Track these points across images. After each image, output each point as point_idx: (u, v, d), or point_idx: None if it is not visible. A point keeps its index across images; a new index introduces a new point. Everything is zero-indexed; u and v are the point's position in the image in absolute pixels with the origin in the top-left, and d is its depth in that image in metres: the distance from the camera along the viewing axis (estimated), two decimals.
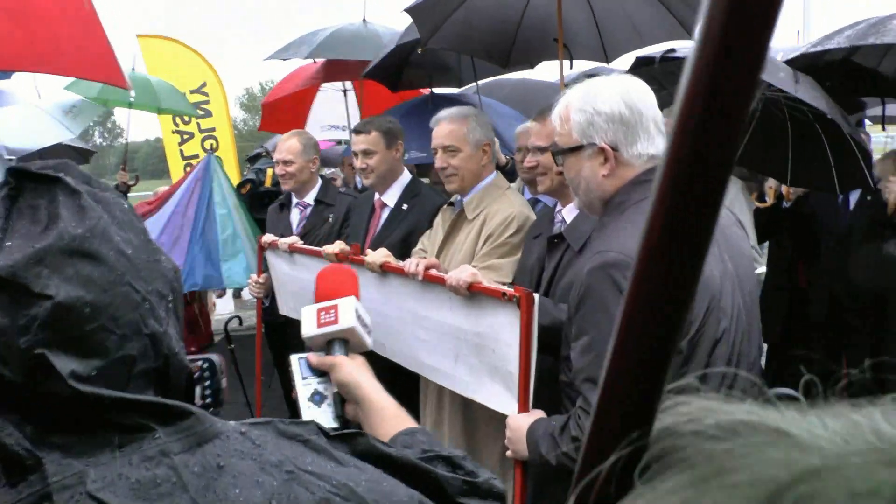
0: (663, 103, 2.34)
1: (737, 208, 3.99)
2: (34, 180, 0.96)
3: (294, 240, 4.21)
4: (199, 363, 1.52)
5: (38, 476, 0.87)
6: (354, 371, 1.51)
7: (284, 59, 7.41)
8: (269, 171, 4.62)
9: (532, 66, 5.91)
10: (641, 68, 4.10)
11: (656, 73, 4.03)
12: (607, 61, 5.36)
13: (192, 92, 9.73)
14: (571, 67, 5.96)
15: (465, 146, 3.47)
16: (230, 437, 0.96)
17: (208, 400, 1.51)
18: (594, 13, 4.92)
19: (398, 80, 6.81)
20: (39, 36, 3.67)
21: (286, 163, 4.70)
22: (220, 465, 0.92)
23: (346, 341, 1.59)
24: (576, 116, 2.27)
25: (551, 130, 2.89)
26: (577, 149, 2.28)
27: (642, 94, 2.26)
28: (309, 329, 1.59)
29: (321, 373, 1.57)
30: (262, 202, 4.56)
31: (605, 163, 2.24)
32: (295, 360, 1.59)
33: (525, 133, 4.39)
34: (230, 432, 0.97)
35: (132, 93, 5.03)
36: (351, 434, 1.08)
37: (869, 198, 4.95)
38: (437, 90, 7.17)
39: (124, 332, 0.94)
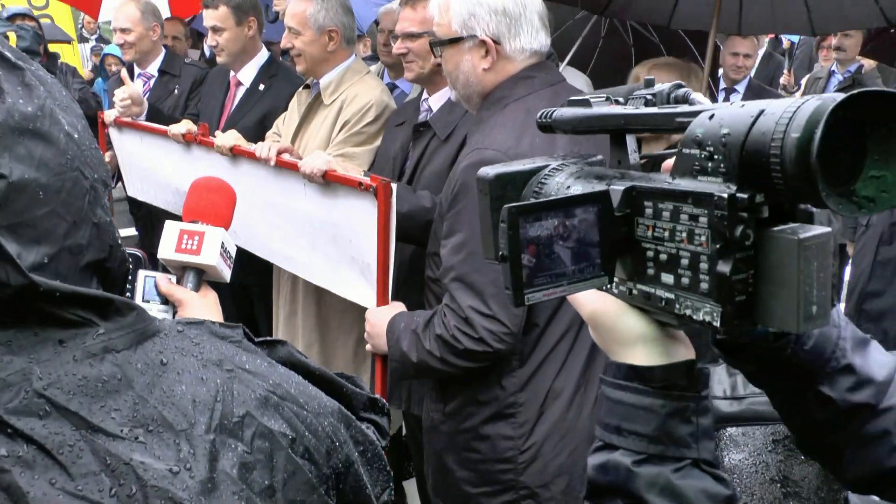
0: None
1: None
2: None
3: (128, 89, 3.97)
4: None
5: None
6: (203, 314, 1.44)
7: None
8: (12, 36, 4.38)
9: None
10: None
11: None
12: None
13: None
14: None
15: (307, 30, 3.38)
16: (168, 334, 0.97)
17: (128, 294, 1.47)
18: None
19: None
20: None
21: (124, 31, 4.50)
22: (163, 362, 0.94)
23: (202, 271, 1.53)
24: (456, 6, 2.23)
25: (424, 16, 2.84)
26: (456, 40, 2.25)
27: None
28: (166, 251, 1.52)
29: (166, 299, 1.52)
30: None
31: (485, 56, 2.22)
32: (143, 276, 1.53)
33: (388, 14, 4.29)
34: (168, 330, 0.98)
35: None
36: (272, 341, 1.11)
37: None
38: None
39: (74, 220, 0.91)
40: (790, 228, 0.68)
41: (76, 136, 0.94)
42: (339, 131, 3.31)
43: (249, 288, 4.00)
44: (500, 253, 0.76)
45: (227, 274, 1.56)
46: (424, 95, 3.11)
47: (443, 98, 2.95)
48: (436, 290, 2.38)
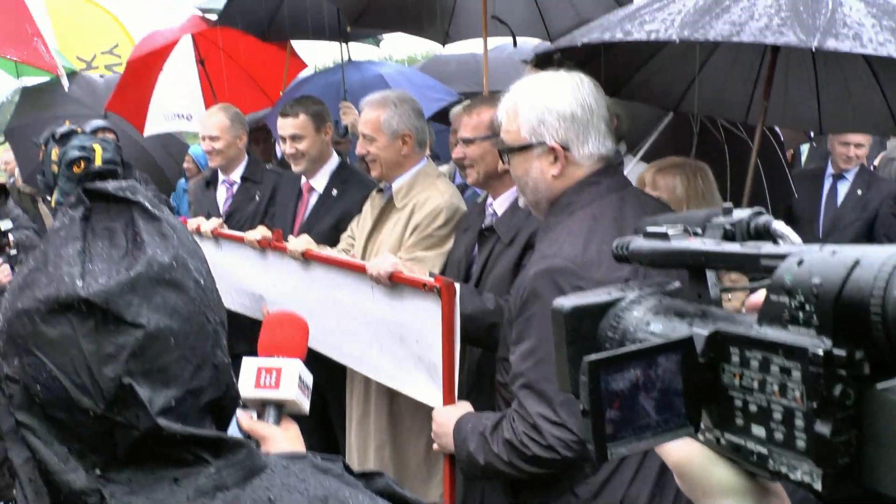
0: None
1: None
2: (108, 200, 0.98)
3: (214, 223, 4.06)
4: None
5: None
6: (287, 449, 1.43)
7: (204, 13, 6.83)
8: (98, 149, 4.54)
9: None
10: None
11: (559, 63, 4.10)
12: (550, 39, 5.25)
13: (102, 53, 9.35)
14: (515, 45, 5.98)
15: (381, 136, 3.41)
16: (275, 470, 0.99)
17: None
18: None
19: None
20: None
21: (213, 139, 4.60)
22: (271, 500, 0.95)
23: (282, 405, 1.52)
24: (525, 113, 2.20)
25: (478, 122, 2.92)
26: (525, 147, 2.22)
27: (594, 91, 2.22)
28: (246, 389, 1.51)
29: (248, 435, 1.49)
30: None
31: (554, 162, 2.19)
32: None
33: (459, 116, 4.44)
34: (274, 465, 1.00)
35: (65, 81, 4.80)
36: (370, 473, 1.12)
37: None
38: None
39: (198, 363, 0.96)
40: None
41: (202, 281, 1.00)
42: (411, 235, 3.32)
43: (323, 388, 3.98)
44: (581, 408, 0.70)
45: (306, 406, 1.54)
46: (489, 200, 3.11)
47: (506, 201, 2.95)
48: (506, 394, 2.32)
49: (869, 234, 5.27)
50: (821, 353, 0.62)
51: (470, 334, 2.64)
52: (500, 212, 2.98)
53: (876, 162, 7.20)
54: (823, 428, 0.62)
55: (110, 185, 0.98)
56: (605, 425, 0.70)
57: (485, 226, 2.98)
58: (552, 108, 2.18)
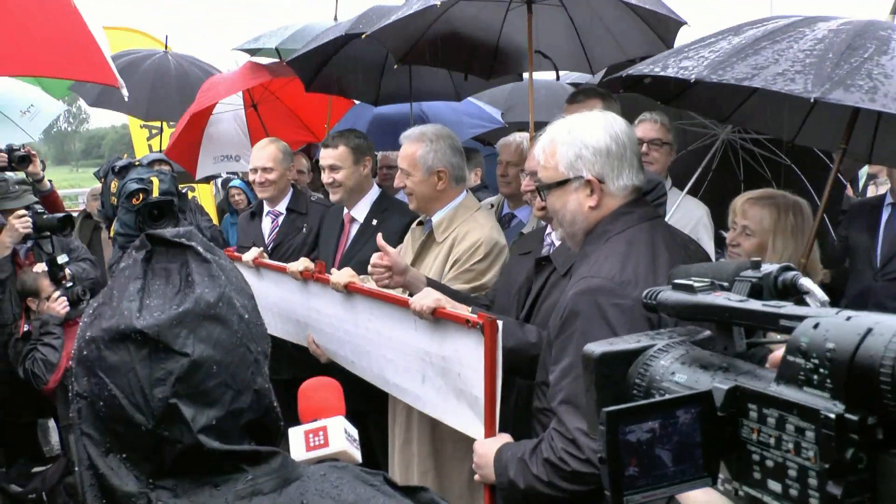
0: None
1: (701, 234, 3.98)
2: (166, 245, 1.13)
3: (255, 253, 4.14)
4: None
5: None
6: None
7: (252, 53, 6.99)
8: (155, 181, 4.62)
9: (521, 78, 5.85)
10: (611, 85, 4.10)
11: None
12: (592, 73, 5.36)
13: None
14: (558, 78, 6.01)
15: (416, 171, 3.45)
16: (311, 477, 1.10)
17: None
18: (574, 25, 4.90)
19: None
20: (28, 38, 3.73)
21: (266, 170, 4.65)
22: (303, 503, 1.06)
23: (336, 460, 1.55)
24: (563, 150, 2.31)
25: None
26: (563, 182, 2.32)
27: (625, 128, 2.33)
28: (297, 452, 1.58)
29: None
30: (151, 214, 4.35)
31: (591, 195, 2.29)
32: None
33: (506, 147, 4.40)
34: (311, 473, 1.11)
35: (125, 92, 5.00)
36: (415, 488, 1.18)
37: None
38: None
39: (238, 388, 1.08)
40: None
41: (246, 316, 1.12)
42: (450, 269, 3.34)
43: (365, 415, 4.00)
44: (599, 455, 0.73)
45: (357, 455, 1.61)
46: (548, 230, 3.13)
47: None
48: (543, 420, 2.36)
49: None
50: (833, 416, 0.63)
51: (512, 366, 2.65)
52: (557, 242, 2.98)
53: None
54: (835, 489, 0.63)
55: (168, 233, 1.12)
56: (621, 474, 0.72)
57: (542, 255, 2.99)
58: (588, 143, 2.29)
